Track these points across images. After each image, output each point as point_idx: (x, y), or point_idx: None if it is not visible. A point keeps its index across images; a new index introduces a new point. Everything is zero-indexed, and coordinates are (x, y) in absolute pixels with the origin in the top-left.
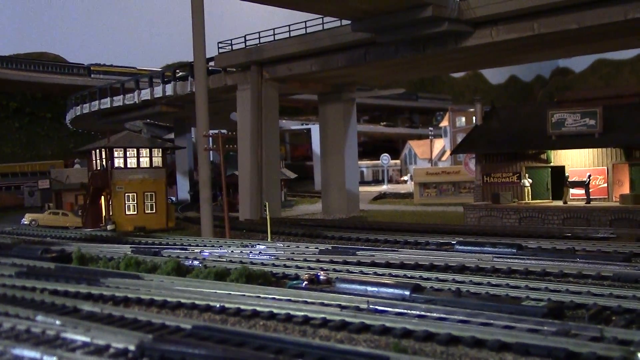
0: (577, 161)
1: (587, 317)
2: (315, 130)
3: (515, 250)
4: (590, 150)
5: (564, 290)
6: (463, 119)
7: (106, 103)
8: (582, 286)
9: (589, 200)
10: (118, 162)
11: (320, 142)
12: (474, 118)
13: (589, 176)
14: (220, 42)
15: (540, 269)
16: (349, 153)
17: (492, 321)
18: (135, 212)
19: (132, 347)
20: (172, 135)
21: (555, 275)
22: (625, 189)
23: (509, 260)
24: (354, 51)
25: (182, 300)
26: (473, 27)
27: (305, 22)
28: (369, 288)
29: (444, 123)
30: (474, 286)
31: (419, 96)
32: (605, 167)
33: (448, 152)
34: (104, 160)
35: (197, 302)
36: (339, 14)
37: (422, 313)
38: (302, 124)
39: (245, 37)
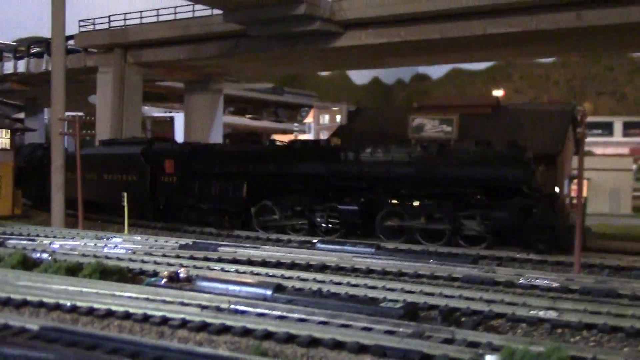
0: None
1: (440, 319)
2: (178, 118)
3: (373, 250)
4: None
5: (419, 291)
6: (327, 116)
7: None
8: (435, 287)
9: None
10: None
11: (185, 131)
12: (337, 116)
13: None
14: (81, 21)
15: (397, 270)
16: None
17: (351, 322)
18: None
19: None
20: (22, 115)
21: (410, 276)
22: None
23: (367, 259)
24: (225, 42)
25: (29, 298)
26: (344, 28)
27: (175, 7)
28: (231, 287)
29: (309, 119)
30: (334, 286)
31: (285, 91)
32: None
33: None
34: None
35: (45, 299)
36: (211, 2)
37: (284, 314)
38: (165, 112)
39: (109, 17)
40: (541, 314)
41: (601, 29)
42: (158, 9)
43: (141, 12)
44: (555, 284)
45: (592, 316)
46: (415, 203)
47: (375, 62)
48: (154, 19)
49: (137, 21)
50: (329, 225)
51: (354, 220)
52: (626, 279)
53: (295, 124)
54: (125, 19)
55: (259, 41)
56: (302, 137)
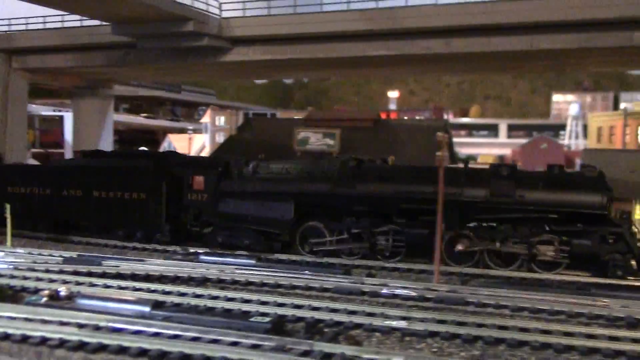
0: None
1: (304, 331)
2: (68, 117)
3: (254, 262)
4: None
5: (290, 304)
6: (223, 118)
7: None
8: (306, 299)
9: None
10: None
11: (73, 135)
12: (233, 119)
13: None
14: None
15: (274, 282)
16: (102, 147)
17: (221, 337)
18: None
19: None
20: None
21: (285, 288)
22: None
23: (247, 271)
24: (114, 51)
25: None
26: (232, 44)
27: (63, 15)
28: (110, 304)
29: (205, 119)
30: (211, 301)
31: (183, 88)
32: None
33: (208, 149)
34: None
35: None
36: (98, 16)
37: (160, 330)
38: (55, 110)
39: None
40: (394, 323)
41: (468, 55)
42: (45, 16)
43: (27, 18)
44: (413, 293)
45: (437, 325)
46: (487, 226)
47: (267, 74)
48: (41, 25)
49: (23, 27)
50: (394, 248)
51: (423, 244)
52: (476, 287)
53: (190, 129)
54: (9, 24)
55: (149, 53)
56: (198, 137)
